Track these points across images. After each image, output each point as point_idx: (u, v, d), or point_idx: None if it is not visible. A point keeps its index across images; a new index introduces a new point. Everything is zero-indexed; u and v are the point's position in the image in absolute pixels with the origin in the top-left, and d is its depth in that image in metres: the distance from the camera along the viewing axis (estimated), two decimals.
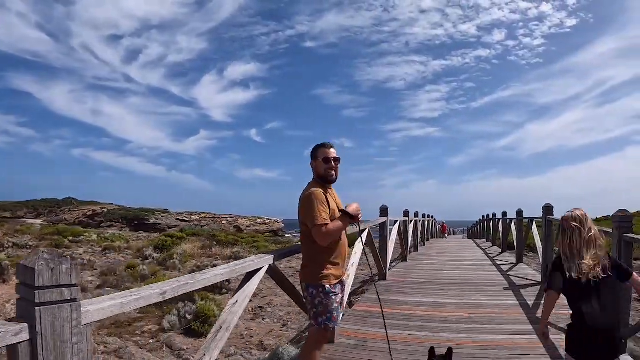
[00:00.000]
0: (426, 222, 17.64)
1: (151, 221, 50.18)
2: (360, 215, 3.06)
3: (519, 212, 10.72)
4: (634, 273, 2.51)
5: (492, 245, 16.00)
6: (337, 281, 2.94)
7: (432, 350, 2.60)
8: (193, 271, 11.11)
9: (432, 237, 20.60)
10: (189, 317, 6.81)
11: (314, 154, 3.05)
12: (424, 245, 16.14)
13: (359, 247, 5.46)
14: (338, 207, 2.98)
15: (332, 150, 3.02)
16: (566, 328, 2.53)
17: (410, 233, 11.59)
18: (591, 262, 2.39)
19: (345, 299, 3.77)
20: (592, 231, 2.47)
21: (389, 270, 8.32)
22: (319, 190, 2.88)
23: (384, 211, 8.21)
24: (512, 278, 7.89)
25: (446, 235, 27.05)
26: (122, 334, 7.01)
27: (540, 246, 8.02)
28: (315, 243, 2.84)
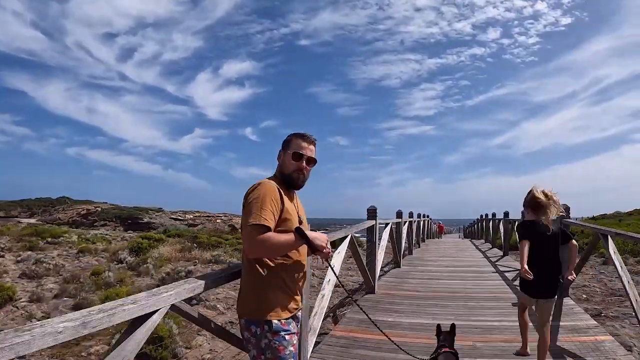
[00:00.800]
0: (421, 223, 16.75)
1: (145, 220, 49.79)
2: (327, 251, 2.10)
3: (506, 214, 10.58)
4: (573, 240, 3.67)
5: (492, 247, 15.47)
6: (289, 315, 2.07)
7: (438, 326, 3.10)
8: (165, 278, 10.09)
9: (427, 238, 19.90)
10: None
11: (287, 144, 2.21)
12: (419, 247, 15.32)
13: (337, 258, 4.51)
14: (300, 220, 2.15)
15: (310, 147, 2.21)
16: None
17: (404, 236, 10.53)
18: (547, 219, 3.48)
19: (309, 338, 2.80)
20: (551, 200, 3.46)
21: (379, 280, 7.37)
22: (274, 185, 2.06)
23: (372, 213, 7.22)
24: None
25: (442, 235, 26.58)
26: (66, 355, 6.03)
27: None
28: (262, 263, 2.02)
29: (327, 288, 4.30)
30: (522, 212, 4.18)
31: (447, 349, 2.83)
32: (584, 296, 7.20)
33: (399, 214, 10.20)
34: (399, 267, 9.31)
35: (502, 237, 13.12)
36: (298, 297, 2.15)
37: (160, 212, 53.74)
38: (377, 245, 7.26)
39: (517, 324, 4.01)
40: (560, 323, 4.78)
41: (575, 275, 4.38)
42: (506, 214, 13.22)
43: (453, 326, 3.05)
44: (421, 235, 16.64)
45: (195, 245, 14.03)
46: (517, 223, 5.03)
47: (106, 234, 24.70)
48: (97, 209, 56.29)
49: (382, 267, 7.97)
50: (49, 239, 18.81)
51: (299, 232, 1.98)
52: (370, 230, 7.24)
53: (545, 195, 3.47)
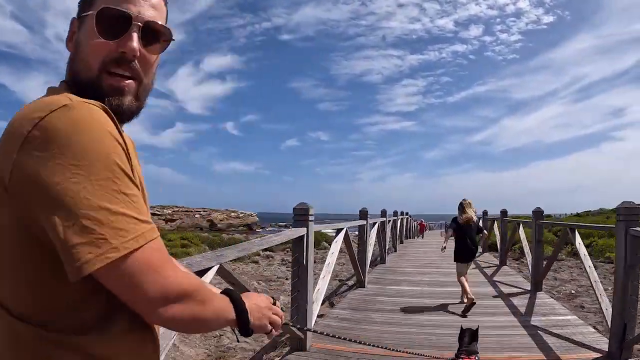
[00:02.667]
0: (398, 222, 14.28)
1: None
2: (271, 330, 0.97)
3: (504, 212, 10.33)
4: (484, 231, 6.81)
5: (482, 252, 12.26)
6: None
7: (462, 328, 2.98)
8: None
9: (407, 238, 18.33)
10: None
11: (84, 4, 0.79)
12: (395, 251, 12.83)
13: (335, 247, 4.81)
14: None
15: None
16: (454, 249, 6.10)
17: (371, 242, 8.18)
18: (466, 217, 5.94)
19: None
20: (471, 206, 6.08)
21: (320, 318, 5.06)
22: (102, 117, 0.65)
23: (363, 214, 7.64)
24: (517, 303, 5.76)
25: (423, 235, 22.27)
26: None
27: (529, 251, 7.42)
28: (62, 280, 0.62)
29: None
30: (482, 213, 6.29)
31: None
32: (557, 289, 7.79)
33: (364, 215, 7.78)
34: (363, 286, 6.97)
35: (499, 242, 10.57)
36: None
37: None
38: (367, 243, 7.54)
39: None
40: (535, 311, 5.30)
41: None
42: (504, 212, 10.53)
43: (477, 330, 2.98)
44: (397, 238, 14.06)
45: None
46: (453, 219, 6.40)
47: None
48: None
49: (332, 293, 7.32)
50: None
51: (234, 301, 0.84)
52: (362, 230, 7.48)
53: (467, 203, 6.08)
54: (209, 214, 55.05)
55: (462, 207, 6.06)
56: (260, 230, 53.99)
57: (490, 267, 9.51)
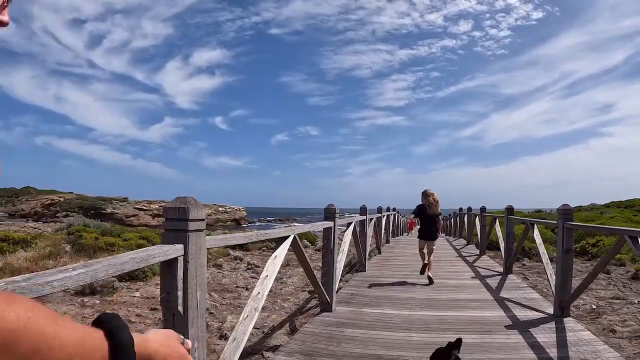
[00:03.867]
0: (383, 221, 12.67)
1: (108, 210, 48.28)
2: None
3: (482, 209, 11.73)
4: (440, 217, 7.82)
5: (480, 254, 11.20)
6: None
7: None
8: None
9: (395, 236, 17.18)
10: None
11: None
12: (380, 253, 11.21)
13: (272, 266, 3.51)
14: None
15: None
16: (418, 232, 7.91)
17: (344, 249, 6.63)
18: (432, 208, 7.39)
19: None
20: (436, 199, 7.46)
21: (337, 293, 5.67)
22: None
23: (330, 213, 5.65)
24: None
25: (412, 232, 20.43)
26: None
27: (502, 242, 8.83)
28: None
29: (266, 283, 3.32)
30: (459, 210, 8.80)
31: None
32: (524, 273, 9.25)
33: (330, 214, 5.78)
34: (329, 311, 5.34)
35: (479, 234, 11.83)
36: None
37: (125, 202, 52.50)
38: (334, 253, 5.59)
39: None
40: (505, 287, 6.77)
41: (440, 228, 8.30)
42: (483, 208, 12.23)
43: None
44: (382, 239, 12.29)
45: (75, 247, 10.10)
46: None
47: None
48: (61, 199, 54.35)
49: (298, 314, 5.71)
50: None
51: (113, 338, 0.54)
52: (327, 235, 5.62)
53: (429, 193, 7.46)
54: None
55: (423, 196, 7.49)
56: (249, 225, 53.99)
57: (471, 256, 10.86)
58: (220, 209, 55.17)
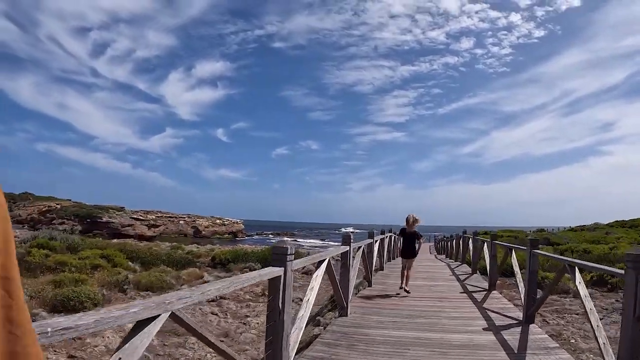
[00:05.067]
0: (375, 247, 11.01)
1: (104, 219, 48.32)
2: None
3: (533, 242, 9.21)
4: (421, 240, 9.20)
5: (490, 290, 9.34)
6: None
7: None
8: None
9: (389, 261, 15.14)
10: None
11: None
12: (370, 285, 9.45)
13: (316, 281, 4.74)
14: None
15: None
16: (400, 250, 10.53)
17: (375, 255, 8.76)
18: (410, 228, 8.76)
19: None
20: (415, 220, 8.72)
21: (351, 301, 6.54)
22: None
23: (346, 239, 7.21)
24: None
25: None
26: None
27: (522, 277, 7.01)
28: None
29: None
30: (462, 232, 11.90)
31: None
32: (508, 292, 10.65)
33: (347, 239, 7.09)
34: (346, 315, 6.30)
35: (488, 267, 10.01)
36: None
37: (122, 212, 52.16)
38: (350, 269, 6.89)
39: None
40: (488, 300, 8.12)
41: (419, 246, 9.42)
42: (494, 236, 10.47)
43: None
44: (373, 266, 10.43)
45: (20, 265, 6.28)
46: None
47: None
48: (58, 206, 54.12)
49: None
50: None
51: None
52: (344, 256, 6.99)
53: (411, 218, 8.64)
54: (193, 221, 54.40)
55: (407, 220, 8.77)
56: (246, 238, 54.29)
57: (479, 291, 9.17)
58: (218, 221, 55.40)
